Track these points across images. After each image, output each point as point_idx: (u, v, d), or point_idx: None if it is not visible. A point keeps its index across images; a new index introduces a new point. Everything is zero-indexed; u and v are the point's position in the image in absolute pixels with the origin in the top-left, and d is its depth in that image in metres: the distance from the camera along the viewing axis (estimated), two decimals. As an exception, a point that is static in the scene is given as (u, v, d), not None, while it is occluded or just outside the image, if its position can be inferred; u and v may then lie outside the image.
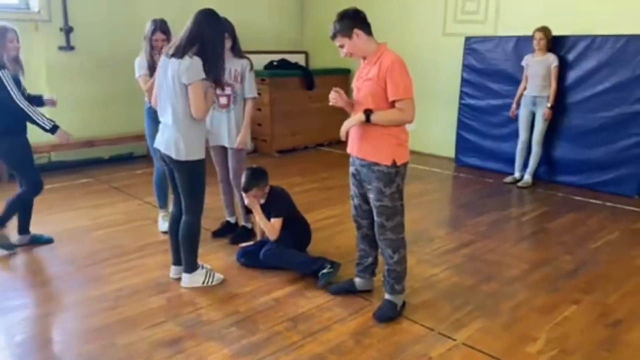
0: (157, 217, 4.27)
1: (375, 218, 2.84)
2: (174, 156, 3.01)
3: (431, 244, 3.95)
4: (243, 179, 3.47)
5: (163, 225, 4.08)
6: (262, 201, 3.50)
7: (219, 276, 3.32)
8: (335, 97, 2.79)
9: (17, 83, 3.55)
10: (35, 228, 4.23)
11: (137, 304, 3.01)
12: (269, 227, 3.44)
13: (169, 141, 3.03)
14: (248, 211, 3.77)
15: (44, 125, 3.58)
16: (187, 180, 3.07)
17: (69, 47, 6.07)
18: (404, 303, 2.94)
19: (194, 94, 2.88)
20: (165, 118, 3.05)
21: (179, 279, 3.27)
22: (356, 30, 2.68)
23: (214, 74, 2.95)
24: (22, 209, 3.81)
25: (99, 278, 3.34)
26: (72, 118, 6.11)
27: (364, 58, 2.78)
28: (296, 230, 3.56)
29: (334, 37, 2.74)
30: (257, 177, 3.47)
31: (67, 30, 6.03)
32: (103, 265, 3.52)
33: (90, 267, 3.50)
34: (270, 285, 3.25)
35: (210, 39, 2.90)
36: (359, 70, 2.84)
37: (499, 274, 3.45)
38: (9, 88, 3.42)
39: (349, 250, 3.75)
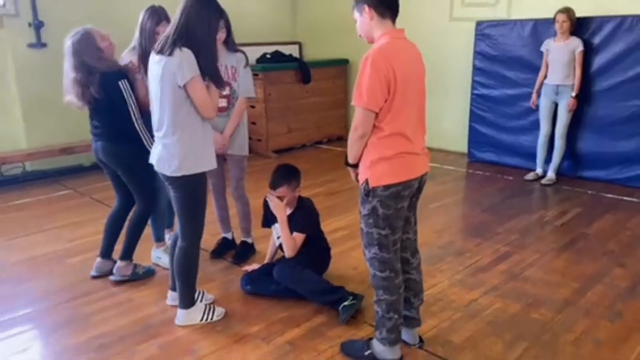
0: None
1: None
2: (167, 172, 2.50)
3: (462, 259, 3.45)
4: (272, 175, 3.00)
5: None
6: (289, 211, 3.00)
7: (220, 310, 2.80)
8: None
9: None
10: (1, 253, 3.69)
11: (123, 355, 2.47)
12: (290, 241, 2.95)
13: (160, 154, 2.52)
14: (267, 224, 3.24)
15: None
16: (183, 200, 2.56)
17: (39, 44, 5.45)
18: None
19: (195, 91, 2.38)
20: (156, 126, 2.53)
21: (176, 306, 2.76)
22: (366, 7, 2.14)
23: (209, 69, 2.42)
24: (116, 228, 3.27)
25: (76, 319, 2.79)
26: (47, 122, 5.54)
27: None
28: (316, 252, 3.06)
29: (353, 8, 2.24)
30: (288, 173, 3.00)
31: (37, 26, 5.41)
32: (81, 303, 2.96)
33: (66, 304, 2.95)
34: (283, 322, 2.73)
35: (199, 27, 2.37)
36: None
37: (547, 296, 2.96)
38: (127, 101, 2.89)
39: (368, 273, 3.24)
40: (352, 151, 2.22)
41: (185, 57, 2.33)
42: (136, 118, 2.94)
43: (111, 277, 3.18)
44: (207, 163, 2.54)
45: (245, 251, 3.53)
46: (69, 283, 3.20)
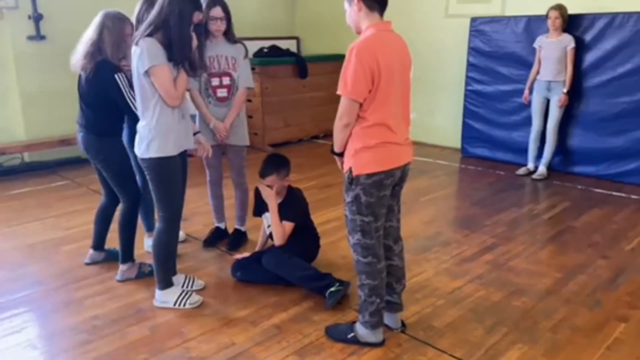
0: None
1: None
2: (138, 154, 2.64)
3: (448, 249, 3.53)
4: (262, 164, 3.07)
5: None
6: (279, 200, 3.07)
7: (196, 298, 2.83)
8: None
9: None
10: (1, 241, 3.77)
11: (115, 336, 2.55)
12: (279, 229, 3.02)
13: (135, 138, 2.67)
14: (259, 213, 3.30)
15: None
16: (153, 182, 2.66)
17: (39, 37, 5.51)
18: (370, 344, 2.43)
19: (156, 79, 2.47)
20: None
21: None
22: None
23: (182, 57, 2.51)
24: (105, 222, 3.29)
25: (70, 303, 2.87)
26: (46, 114, 5.61)
27: None
28: (305, 240, 3.14)
29: None
30: (277, 162, 3.06)
31: (37, 18, 5.47)
32: (75, 287, 3.04)
33: (61, 289, 3.03)
34: (270, 307, 2.81)
35: (171, 17, 2.44)
36: None
37: (530, 285, 3.04)
38: (124, 94, 2.82)
39: (357, 261, 3.32)
40: (337, 140, 2.30)
41: (146, 46, 2.43)
42: (136, 107, 2.84)
43: (117, 278, 3.11)
44: (177, 147, 2.63)
45: (238, 239, 3.61)
46: (64, 269, 3.28)
